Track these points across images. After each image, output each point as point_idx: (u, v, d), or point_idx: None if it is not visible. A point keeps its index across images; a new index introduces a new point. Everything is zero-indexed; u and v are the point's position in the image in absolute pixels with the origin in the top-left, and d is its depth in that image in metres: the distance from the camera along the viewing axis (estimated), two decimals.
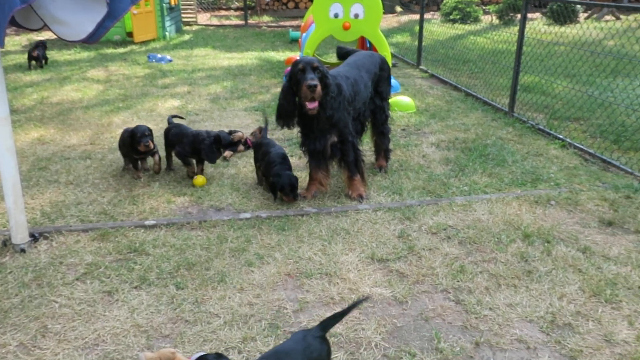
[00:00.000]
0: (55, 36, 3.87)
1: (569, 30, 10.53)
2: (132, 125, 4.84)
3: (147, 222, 3.94)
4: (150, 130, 4.71)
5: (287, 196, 4.24)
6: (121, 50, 11.46)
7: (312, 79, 3.86)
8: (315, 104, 3.94)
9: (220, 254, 3.54)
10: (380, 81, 4.81)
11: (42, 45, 9.60)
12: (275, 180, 4.22)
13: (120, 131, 5.03)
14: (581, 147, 5.44)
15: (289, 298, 3.10)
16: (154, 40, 12.50)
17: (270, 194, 4.36)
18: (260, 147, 4.64)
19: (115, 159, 5.19)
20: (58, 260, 3.46)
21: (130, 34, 12.29)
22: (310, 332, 2.24)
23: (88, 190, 4.54)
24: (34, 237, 3.69)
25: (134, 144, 4.62)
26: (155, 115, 6.70)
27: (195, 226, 3.93)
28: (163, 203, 4.30)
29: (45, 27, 3.39)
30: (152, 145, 4.66)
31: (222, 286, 3.20)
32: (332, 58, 10.37)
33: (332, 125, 4.18)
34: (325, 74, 4.00)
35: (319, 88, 3.88)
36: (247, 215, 4.07)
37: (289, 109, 4.10)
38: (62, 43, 11.87)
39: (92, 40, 3.15)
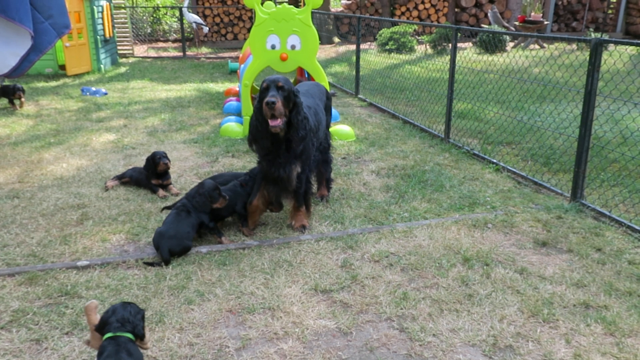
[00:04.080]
0: None
1: (498, 59, 11.04)
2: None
3: (79, 263, 3.75)
4: None
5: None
6: (53, 83, 11.09)
7: (272, 96, 3.78)
8: (278, 122, 3.84)
9: (159, 292, 3.41)
10: (325, 110, 4.86)
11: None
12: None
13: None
14: (514, 170, 5.64)
15: (231, 335, 3.01)
16: (88, 73, 12.17)
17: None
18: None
19: (46, 197, 4.95)
20: None
21: (62, 67, 11.92)
22: None
23: (15, 231, 4.29)
24: None
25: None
26: (89, 150, 6.47)
27: (132, 265, 3.77)
28: (97, 242, 4.12)
29: None
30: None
31: (161, 327, 3.07)
32: None
33: (298, 155, 4.12)
34: (293, 92, 3.93)
35: (278, 104, 3.78)
36: None
37: (261, 129, 3.97)
38: None
39: (16, 74, 3.03)
